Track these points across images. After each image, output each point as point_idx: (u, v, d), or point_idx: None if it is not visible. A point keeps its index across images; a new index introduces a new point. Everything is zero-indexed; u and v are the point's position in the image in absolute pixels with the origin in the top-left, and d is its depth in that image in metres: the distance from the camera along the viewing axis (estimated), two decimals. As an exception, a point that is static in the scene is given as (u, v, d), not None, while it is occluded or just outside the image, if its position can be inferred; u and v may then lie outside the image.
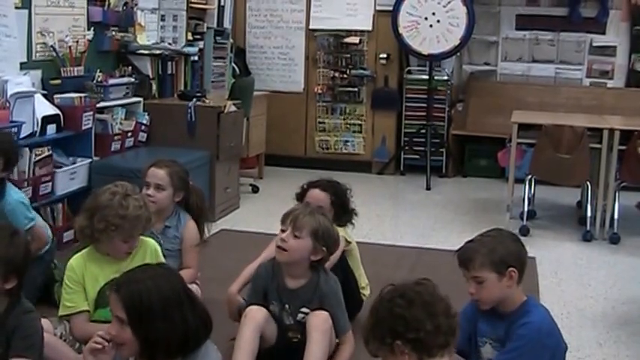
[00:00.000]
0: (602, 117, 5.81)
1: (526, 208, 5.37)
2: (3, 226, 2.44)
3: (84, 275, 2.82)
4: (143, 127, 5.38)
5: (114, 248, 2.83)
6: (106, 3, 5.18)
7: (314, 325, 2.80)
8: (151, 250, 2.95)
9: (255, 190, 6.40)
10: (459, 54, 7.22)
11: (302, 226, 2.81)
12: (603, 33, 7.20)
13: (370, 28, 7.18)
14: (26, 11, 4.46)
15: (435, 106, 7.16)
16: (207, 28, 6.47)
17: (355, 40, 7.20)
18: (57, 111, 4.47)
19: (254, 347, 2.78)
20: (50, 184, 4.35)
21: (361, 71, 7.23)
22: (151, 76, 5.60)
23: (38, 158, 4.28)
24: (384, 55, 7.16)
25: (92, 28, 4.99)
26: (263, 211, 5.65)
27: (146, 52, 5.51)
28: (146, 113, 5.44)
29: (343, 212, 3.40)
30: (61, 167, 4.53)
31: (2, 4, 4.21)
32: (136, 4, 5.51)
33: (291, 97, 7.38)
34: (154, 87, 5.70)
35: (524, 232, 5.11)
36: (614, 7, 7.13)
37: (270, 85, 7.38)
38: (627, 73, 7.18)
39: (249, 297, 3.01)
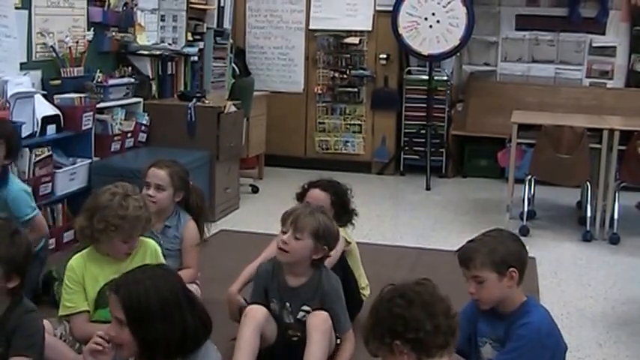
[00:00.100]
0: (602, 117, 5.81)
1: (526, 209, 5.37)
2: (3, 226, 2.43)
3: (84, 275, 2.82)
4: (143, 128, 5.38)
5: (114, 248, 2.83)
6: (106, 3, 5.19)
7: (314, 325, 2.81)
8: (151, 250, 2.96)
9: (255, 190, 6.40)
10: (458, 54, 7.22)
11: (303, 228, 2.82)
12: (603, 33, 7.20)
13: (370, 29, 7.18)
14: (26, 12, 4.47)
15: (435, 106, 7.16)
16: (207, 28, 6.47)
17: (355, 40, 7.20)
18: (57, 111, 4.47)
19: (254, 347, 2.78)
20: (50, 184, 4.36)
21: (361, 71, 7.23)
22: (150, 77, 5.60)
23: (38, 159, 4.28)
24: (384, 56, 7.16)
25: (92, 29, 4.99)
26: (263, 212, 5.65)
27: (146, 52, 5.51)
28: (146, 114, 5.44)
29: (343, 212, 3.40)
30: (61, 168, 4.53)
31: (2, 4, 4.21)
32: (136, 5, 5.51)
33: (291, 97, 7.38)
34: (154, 87, 5.70)
35: (524, 232, 5.11)
36: (614, 8, 7.13)
37: (270, 85, 7.38)
38: (627, 73, 7.18)
39: (252, 297, 3.02)
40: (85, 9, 4.98)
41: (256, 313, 2.85)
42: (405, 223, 5.69)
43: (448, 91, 7.26)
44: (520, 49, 7.43)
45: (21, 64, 4.40)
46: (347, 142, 7.39)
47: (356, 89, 7.29)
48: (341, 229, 3.20)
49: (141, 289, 2.01)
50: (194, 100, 5.53)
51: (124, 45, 5.37)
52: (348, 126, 7.38)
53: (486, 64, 7.53)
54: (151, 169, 3.50)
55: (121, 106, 5.21)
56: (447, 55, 6.89)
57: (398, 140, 7.37)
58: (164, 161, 3.56)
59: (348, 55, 7.26)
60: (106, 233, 2.77)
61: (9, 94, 4.13)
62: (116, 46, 5.32)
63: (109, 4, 5.21)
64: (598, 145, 5.11)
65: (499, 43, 7.46)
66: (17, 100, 4.14)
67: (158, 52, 5.66)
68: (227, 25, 6.79)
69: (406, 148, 7.30)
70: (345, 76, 7.29)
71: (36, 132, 4.29)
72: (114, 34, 5.28)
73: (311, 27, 7.31)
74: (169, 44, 5.90)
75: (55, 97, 4.55)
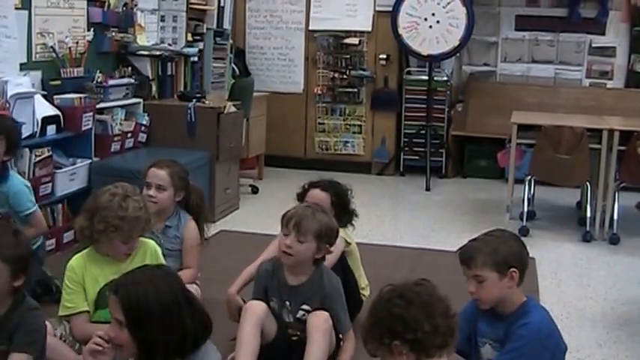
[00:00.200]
0: (602, 117, 5.81)
1: (526, 209, 5.37)
2: (5, 225, 2.44)
3: (84, 276, 2.83)
4: (143, 128, 5.38)
5: (113, 249, 2.83)
6: (106, 4, 5.19)
7: (314, 324, 2.81)
8: (151, 251, 2.96)
9: (255, 190, 6.40)
10: (458, 55, 7.22)
11: (306, 232, 2.82)
12: (603, 34, 7.21)
13: (370, 29, 7.19)
14: (26, 12, 4.47)
15: (435, 106, 7.16)
16: (207, 29, 6.47)
17: (355, 40, 7.21)
18: (57, 112, 4.47)
19: (256, 343, 2.78)
20: (50, 184, 4.36)
21: (361, 72, 7.23)
22: (150, 77, 5.60)
23: (38, 159, 4.28)
24: (384, 56, 7.16)
25: (92, 29, 4.99)
26: (263, 212, 5.65)
27: (146, 52, 5.52)
28: (146, 114, 5.44)
29: (344, 213, 3.40)
30: (61, 168, 4.53)
31: (2, 4, 4.21)
32: (136, 5, 5.51)
33: (290, 97, 7.38)
34: (154, 88, 5.70)
35: (524, 232, 5.11)
36: (614, 8, 7.13)
37: (270, 85, 7.38)
38: (627, 73, 7.19)
39: (252, 296, 3.01)
40: (84, 9, 4.98)
41: (256, 307, 2.86)
42: (404, 223, 5.69)
43: (448, 92, 7.26)
44: (520, 49, 7.43)
45: (21, 64, 4.40)
46: (347, 142, 7.39)
47: (356, 90, 7.29)
48: (341, 230, 3.21)
49: (140, 290, 2.01)
50: (194, 100, 5.53)
51: (124, 45, 5.37)
52: (348, 126, 7.39)
53: (486, 65, 7.54)
54: (151, 170, 3.50)
55: (121, 106, 5.21)
56: (446, 55, 6.90)
57: (398, 141, 7.37)
58: (164, 161, 3.56)
59: (348, 56, 7.26)
60: (105, 234, 2.78)
61: (9, 94, 4.13)
62: (116, 46, 5.32)
63: (109, 5, 5.21)
64: (598, 146, 5.12)
65: (499, 43, 7.46)
66: (17, 101, 4.14)
67: (158, 53, 5.66)
68: (227, 25, 6.79)
69: (406, 148, 7.30)
70: (344, 76, 7.29)
71: (36, 132, 4.29)
72: (114, 34, 5.28)
73: (311, 27, 7.31)
74: (169, 45, 5.90)
75: (55, 97, 4.55)
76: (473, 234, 2.57)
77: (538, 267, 4.50)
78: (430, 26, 6.75)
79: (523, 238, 2.60)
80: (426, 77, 7.12)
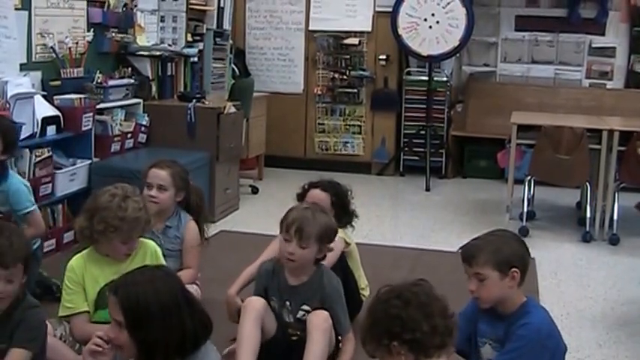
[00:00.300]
0: (602, 118, 5.81)
1: (525, 209, 5.37)
2: (7, 225, 2.45)
3: (84, 276, 2.83)
4: (143, 129, 5.38)
5: (113, 249, 2.83)
6: (106, 4, 5.19)
7: (314, 324, 2.81)
8: (151, 251, 2.96)
9: (255, 191, 6.40)
10: (458, 55, 7.22)
11: (308, 237, 2.82)
12: (603, 34, 7.21)
13: (370, 29, 7.19)
14: (26, 12, 4.47)
15: (435, 107, 7.17)
16: (207, 29, 6.47)
17: (355, 41, 7.21)
18: (57, 112, 4.47)
19: (256, 339, 2.78)
20: (50, 185, 4.36)
21: (361, 72, 7.23)
22: (150, 78, 5.60)
23: (38, 159, 4.29)
24: (384, 56, 7.16)
25: (92, 30, 5.00)
26: (263, 212, 5.65)
27: (146, 53, 5.52)
28: (146, 114, 5.44)
29: (344, 213, 3.40)
30: (61, 168, 4.53)
31: (2, 5, 4.21)
32: (136, 6, 5.51)
33: (290, 98, 7.39)
34: (154, 88, 5.70)
35: (524, 232, 5.10)
36: (614, 8, 7.13)
37: (270, 86, 7.38)
38: (626, 74, 7.19)
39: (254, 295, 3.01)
40: (84, 10, 4.98)
41: (255, 303, 2.86)
42: (404, 223, 5.69)
43: (448, 92, 7.26)
44: (520, 49, 7.43)
45: (21, 64, 4.41)
46: (347, 142, 7.39)
47: (355, 90, 7.29)
48: (340, 230, 3.21)
49: (140, 290, 2.01)
50: (194, 100, 5.53)
51: (124, 46, 5.37)
52: (348, 127, 7.39)
53: (486, 65, 7.54)
54: (151, 170, 3.51)
55: (121, 106, 5.21)
56: (446, 55, 6.90)
57: (398, 141, 7.37)
58: (165, 161, 3.57)
59: (348, 56, 7.27)
60: (105, 234, 2.78)
61: (9, 94, 4.13)
62: (116, 46, 5.32)
63: (109, 5, 5.22)
64: (598, 146, 5.12)
65: (499, 43, 7.46)
66: (17, 101, 4.15)
67: (158, 53, 5.67)
68: (227, 26, 6.80)
69: (406, 148, 7.31)
70: (344, 76, 7.29)
71: (36, 133, 4.29)
72: (114, 34, 5.28)
73: (311, 28, 7.31)
74: (169, 45, 5.90)
75: (55, 97, 4.55)
76: (473, 234, 2.57)
77: (538, 267, 4.50)
78: (430, 27, 6.75)
79: (523, 239, 2.60)
80: (425, 77, 7.12)
